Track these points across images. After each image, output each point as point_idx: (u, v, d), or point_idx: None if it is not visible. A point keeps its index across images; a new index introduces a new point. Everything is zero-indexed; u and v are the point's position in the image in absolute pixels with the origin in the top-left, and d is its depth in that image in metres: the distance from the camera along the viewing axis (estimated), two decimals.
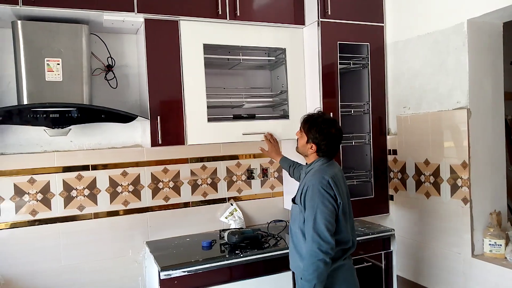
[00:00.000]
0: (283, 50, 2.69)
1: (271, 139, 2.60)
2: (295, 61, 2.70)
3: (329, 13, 2.54)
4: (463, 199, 2.30)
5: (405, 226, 2.68)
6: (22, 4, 2.03)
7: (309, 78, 2.68)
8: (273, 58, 2.79)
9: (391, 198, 2.76)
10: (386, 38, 2.75)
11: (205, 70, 2.45)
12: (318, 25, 2.53)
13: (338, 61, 2.59)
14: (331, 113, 2.54)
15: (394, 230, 2.72)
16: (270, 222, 2.81)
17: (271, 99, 2.85)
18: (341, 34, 2.60)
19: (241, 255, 2.31)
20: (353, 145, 2.71)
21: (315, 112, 2.08)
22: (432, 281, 2.52)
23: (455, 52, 2.30)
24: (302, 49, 2.71)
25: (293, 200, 2.06)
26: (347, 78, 2.77)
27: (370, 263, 2.67)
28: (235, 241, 2.43)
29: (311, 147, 2.00)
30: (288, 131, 2.68)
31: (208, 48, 2.49)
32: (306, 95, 2.72)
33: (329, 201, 1.85)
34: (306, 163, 2.12)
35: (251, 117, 2.67)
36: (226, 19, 2.46)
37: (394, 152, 2.72)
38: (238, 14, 2.47)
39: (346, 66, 2.69)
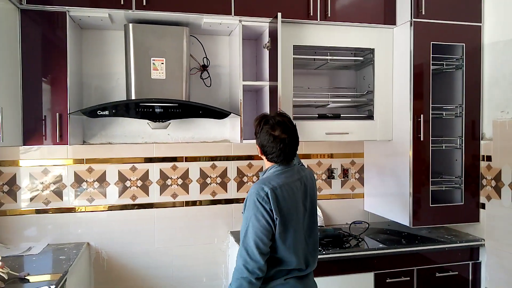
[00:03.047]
0: (371, 50, 2.68)
1: None
2: (383, 62, 2.67)
3: (423, 13, 2.48)
4: None
5: (497, 236, 2.53)
6: (135, 9, 2.26)
7: (398, 79, 2.63)
8: (361, 58, 2.78)
9: (483, 206, 2.61)
10: (483, 38, 2.61)
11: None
12: (411, 25, 2.48)
13: (431, 62, 2.52)
14: (421, 115, 2.48)
15: (484, 240, 2.59)
16: (351, 223, 2.82)
17: (356, 99, 2.85)
18: (435, 35, 2.52)
19: (323, 252, 2.35)
20: (442, 149, 2.61)
21: (269, 113, 1.86)
22: None
23: None
24: (392, 49, 2.67)
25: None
26: (438, 79, 2.68)
27: (456, 273, 2.57)
28: None
29: (257, 148, 1.82)
30: (372, 132, 2.67)
31: (297, 49, 2.55)
32: (393, 96, 2.68)
33: (262, 215, 1.63)
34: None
35: (336, 116, 2.69)
36: (317, 20, 2.51)
37: (488, 158, 2.58)
38: (329, 15, 2.51)
39: (439, 67, 2.60)
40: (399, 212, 2.63)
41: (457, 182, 2.64)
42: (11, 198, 2.49)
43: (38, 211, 2.54)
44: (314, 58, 2.71)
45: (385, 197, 2.80)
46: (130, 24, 2.35)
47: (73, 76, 2.29)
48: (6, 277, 1.79)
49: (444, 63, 2.60)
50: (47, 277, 1.96)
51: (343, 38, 2.60)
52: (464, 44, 2.57)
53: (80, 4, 2.21)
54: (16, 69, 2.11)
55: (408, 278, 2.49)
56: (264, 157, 1.81)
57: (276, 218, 1.65)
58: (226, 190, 2.82)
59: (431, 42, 2.51)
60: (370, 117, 2.71)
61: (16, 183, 2.50)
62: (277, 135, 1.73)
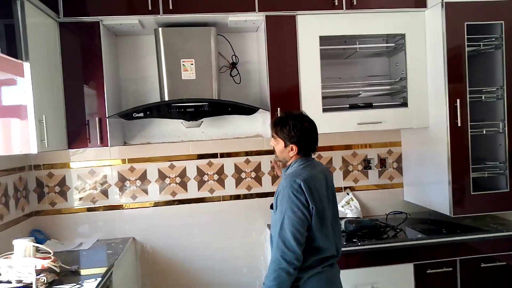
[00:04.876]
0: (403, 36, 2.59)
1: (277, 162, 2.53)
2: (416, 46, 2.58)
3: None
4: None
5: None
6: (163, 13, 2.35)
7: (432, 63, 2.54)
8: (392, 44, 2.70)
9: None
10: None
11: (321, 61, 2.51)
12: (442, 6, 2.37)
13: (466, 44, 2.40)
14: (457, 100, 2.37)
15: None
16: (389, 214, 2.76)
17: (389, 87, 2.78)
18: (469, 14, 2.39)
19: (359, 244, 2.34)
20: (483, 135, 2.49)
21: (281, 114, 1.88)
22: None
23: None
24: (424, 33, 2.57)
25: (271, 206, 1.88)
26: (475, 61, 2.55)
27: (504, 263, 2.45)
28: (352, 229, 2.46)
29: (291, 148, 1.82)
30: (407, 120, 2.61)
31: (324, 39, 2.53)
32: (427, 81, 2.59)
33: (298, 207, 1.69)
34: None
35: (368, 106, 2.64)
36: (343, 9, 2.47)
37: None
38: (355, 3, 2.47)
39: (476, 48, 2.47)
40: (439, 201, 2.54)
41: (501, 168, 2.50)
42: (62, 198, 2.70)
43: (89, 209, 2.73)
44: (344, 48, 2.67)
45: (425, 186, 2.72)
46: (160, 28, 2.45)
47: (110, 81, 2.43)
48: (58, 270, 1.96)
49: (481, 43, 2.47)
50: (95, 271, 2.11)
51: (371, 26, 2.54)
52: (503, 22, 2.42)
53: (112, 13, 2.34)
54: (58, 78, 2.28)
55: (451, 269, 2.41)
56: (292, 154, 1.84)
57: (312, 208, 1.71)
58: (261, 184, 2.87)
59: (465, 23, 2.38)
60: (405, 104, 2.63)
61: (66, 183, 2.70)
62: (307, 126, 1.82)
